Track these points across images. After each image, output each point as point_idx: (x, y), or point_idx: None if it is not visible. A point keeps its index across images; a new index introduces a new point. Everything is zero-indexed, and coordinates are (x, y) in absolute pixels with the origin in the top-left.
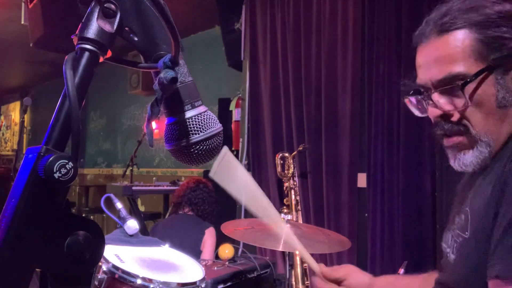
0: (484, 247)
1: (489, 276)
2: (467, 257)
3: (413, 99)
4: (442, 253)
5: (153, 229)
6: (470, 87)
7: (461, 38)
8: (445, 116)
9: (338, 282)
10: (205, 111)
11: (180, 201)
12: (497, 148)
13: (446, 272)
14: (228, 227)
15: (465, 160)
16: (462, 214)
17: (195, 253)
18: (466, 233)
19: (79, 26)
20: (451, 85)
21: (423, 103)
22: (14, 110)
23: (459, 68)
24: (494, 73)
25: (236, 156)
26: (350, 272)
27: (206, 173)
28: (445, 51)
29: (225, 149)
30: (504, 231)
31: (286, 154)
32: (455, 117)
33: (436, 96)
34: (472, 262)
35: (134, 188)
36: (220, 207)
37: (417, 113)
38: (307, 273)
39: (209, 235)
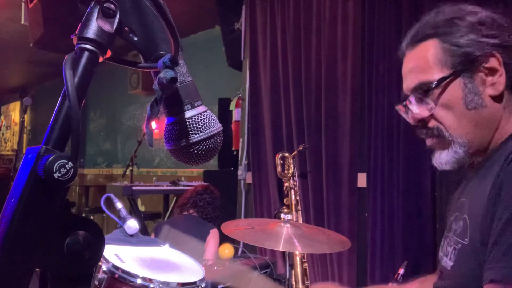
0: (482, 253)
1: (484, 281)
2: (466, 264)
3: (402, 107)
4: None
5: (156, 227)
6: (436, 93)
7: (429, 48)
8: (422, 121)
9: None
10: (205, 111)
11: (185, 202)
12: (476, 149)
13: (444, 278)
14: (228, 227)
15: (441, 159)
16: (460, 220)
17: (199, 251)
18: (466, 239)
19: (79, 26)
20: (419, 92)
21: (406, 110)
22: (14, 110)
23: (428, 76)
24: (461, 78)
25: (236, 156)
26: None
27: (206, 173)
28: (416, 62)
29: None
30: (499, 234)
31: (286, 154)
32: (430, 121)
33: (411, 104)
34: (471, 269)
35: (134, 188)
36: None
37: (407, 118)
38: (307, 273)
39: (213, 235)
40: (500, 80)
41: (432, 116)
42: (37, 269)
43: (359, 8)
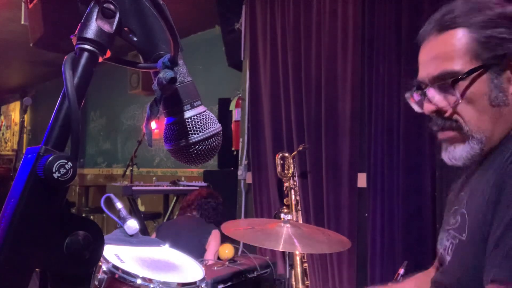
0: (481, 249)
1: (485, 281)
2: (464, 259)
3: (413, 94)
4: (437, 254)
5: (159, 227)
6: (462, 85)
7: (458, 37)
8: (439, 112)
9: None
10: (204, 111)
11: (189, 204)
12: (490, 146)
13: (441, 272)
14: (228, 227)
15: (455, 154)
16: (458, 215)
17: (201, 251)
18: (464, 235)
19: (79, 26)
20: (444, 82)
21: (421, 98)
22: (14, 110)
23: (454, 66)
24: (489, 72)
25: (236, 156)
26: None
27: (206, 173)
28: (442, 49)
29: None
30: (501, 235)
31: (286, 154)
32: (448, 113)
33: (431, 92)
34: (469, 264)
35: (134, 188)
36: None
37: (416, 108)
38: (307, 273)
39: (215, 236)
40: None
41: (452, 108)
42: (37, 269)
43: (359, 8)
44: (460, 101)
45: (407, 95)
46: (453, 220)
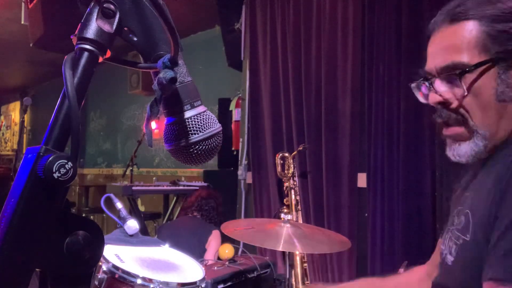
0: (484, 250)
1: (483, 279)
2: (468, 261)
3: (421, 85)
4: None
5: (160, 227)
6: (469, 78)
7: (468, 29)
8: (445, 104)
9: None
10: (205, 111)
11: (190, 206)
12: (494, 143)
13: (443, 273)
14: (228, 227)
15: (459, 151)
16: (462, 215)
17: (201, 251)
18: (467, 235)
19: (79, 26)
20: (451, 73)
21: (427, 89)
22: (14, 110)
23: (462, 58)
24: (497, 67)
25: (236, 156)
26: None
27: (206, 173)
28: (452, 40)
29: None
30: (501, 234)
31: (286, 154)
32: (454, 105)
33: (437, 83)
34: (473, 266)
35: (134, 188)
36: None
37: (421, 99)
38: (307, 273)
39: (215, 236)
40: None
41: (458, 101)
42: (37, 269)
43: (359, 8)
44: (466, 94)
45: (413, 85)
46: (457, 220)
